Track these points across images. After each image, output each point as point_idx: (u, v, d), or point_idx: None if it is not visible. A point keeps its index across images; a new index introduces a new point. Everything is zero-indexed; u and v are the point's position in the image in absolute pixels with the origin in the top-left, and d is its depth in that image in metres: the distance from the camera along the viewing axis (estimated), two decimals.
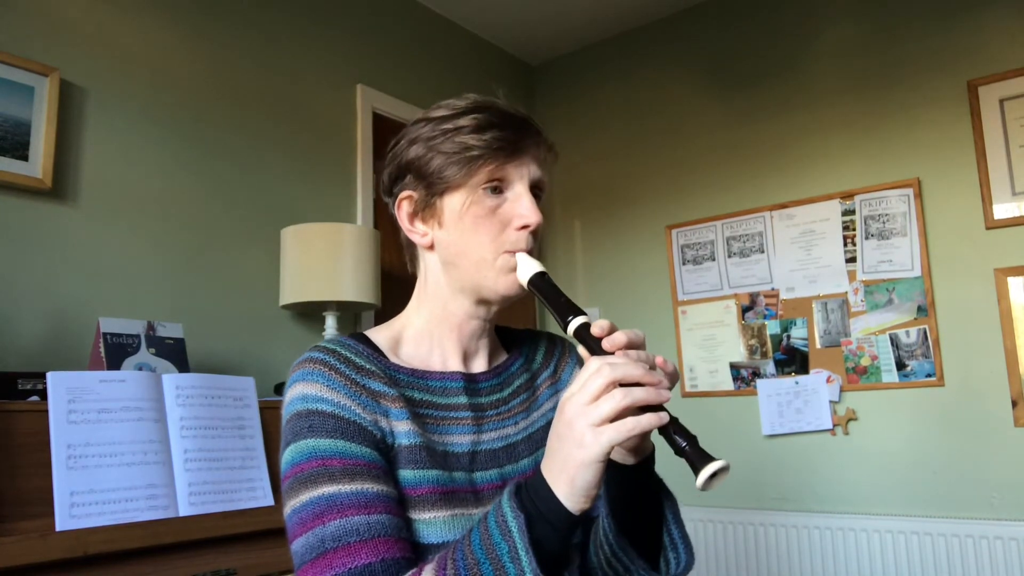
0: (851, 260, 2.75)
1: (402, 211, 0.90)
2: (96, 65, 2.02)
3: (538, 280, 0.83)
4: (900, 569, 2.51)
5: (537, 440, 0.92)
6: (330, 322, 2.30)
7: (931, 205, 2.63)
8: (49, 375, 1.38)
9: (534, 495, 0.70)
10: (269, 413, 1.70)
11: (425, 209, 0.88)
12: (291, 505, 0.76)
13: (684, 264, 3.15)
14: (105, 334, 1.68)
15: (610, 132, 3.45)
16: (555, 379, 1.00)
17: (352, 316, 2.61)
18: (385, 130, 2.88)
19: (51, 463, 1.31)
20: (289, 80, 2.55)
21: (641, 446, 0.79)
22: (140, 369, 1.70)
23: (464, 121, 0.84)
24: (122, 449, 1.41)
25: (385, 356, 0.87)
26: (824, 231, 2.82)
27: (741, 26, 3.12)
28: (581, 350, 0.77)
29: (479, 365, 0.93)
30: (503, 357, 0.98)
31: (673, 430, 0.69)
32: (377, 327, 0.94)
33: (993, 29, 2.57)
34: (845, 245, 2.77)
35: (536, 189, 0.88)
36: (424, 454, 0.80)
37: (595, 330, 0.75)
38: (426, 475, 0.80)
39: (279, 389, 2.10)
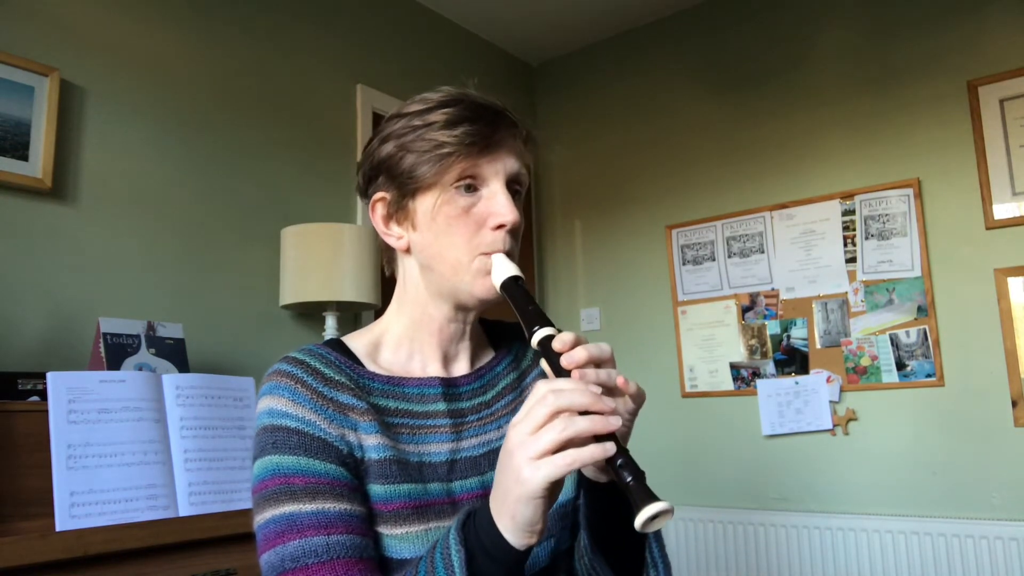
0: (851, 260, 2.75)
1: (376, 213, 0.87)
2: (96, 65, 2.02)
3: (510, 284, 0.79)
4: (900, 569, 2.51)
5: None
6: (330, 322, 2.30)
7: (931, 205, 2.63)
8: (49, 375, 1.38)
9: (479, 528, 0.67)
10: None
11: (399, 211, 0.84)
12: (256, 521, 0.76)
13: (684, 264, 3.15)
14: (105, 334, 1.68)
15: (610, 132, 3.45)
16: (545, 377, 0.97)
17: (352, 316, 2.60)
18: None
19: (51, 463, 1.31)
20: (289, 80, 2.55)
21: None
22: (140, 369, 1.70)
23: (435, 116, 0.80)
24: (122, 449, 1.41)
25: (361, 363, 0.85)
26: (824, 231, 2.82)
27: (742, 26, 3.12)
28: (544, 364, 0.73)
29: (461, 368, 0.90)
30: (489, 356, 0.94)
31: (620, 463, 0.63)
32: (357, 332, 0.91)
33: (993, 29, 2.57)
34: (845, 245, 2.77)
35: (515, 184, 0.84)
36: (395, 468, 0.78)
37: (556, 344, 0.70)
38: (397, 490, 0.78)
39: None
